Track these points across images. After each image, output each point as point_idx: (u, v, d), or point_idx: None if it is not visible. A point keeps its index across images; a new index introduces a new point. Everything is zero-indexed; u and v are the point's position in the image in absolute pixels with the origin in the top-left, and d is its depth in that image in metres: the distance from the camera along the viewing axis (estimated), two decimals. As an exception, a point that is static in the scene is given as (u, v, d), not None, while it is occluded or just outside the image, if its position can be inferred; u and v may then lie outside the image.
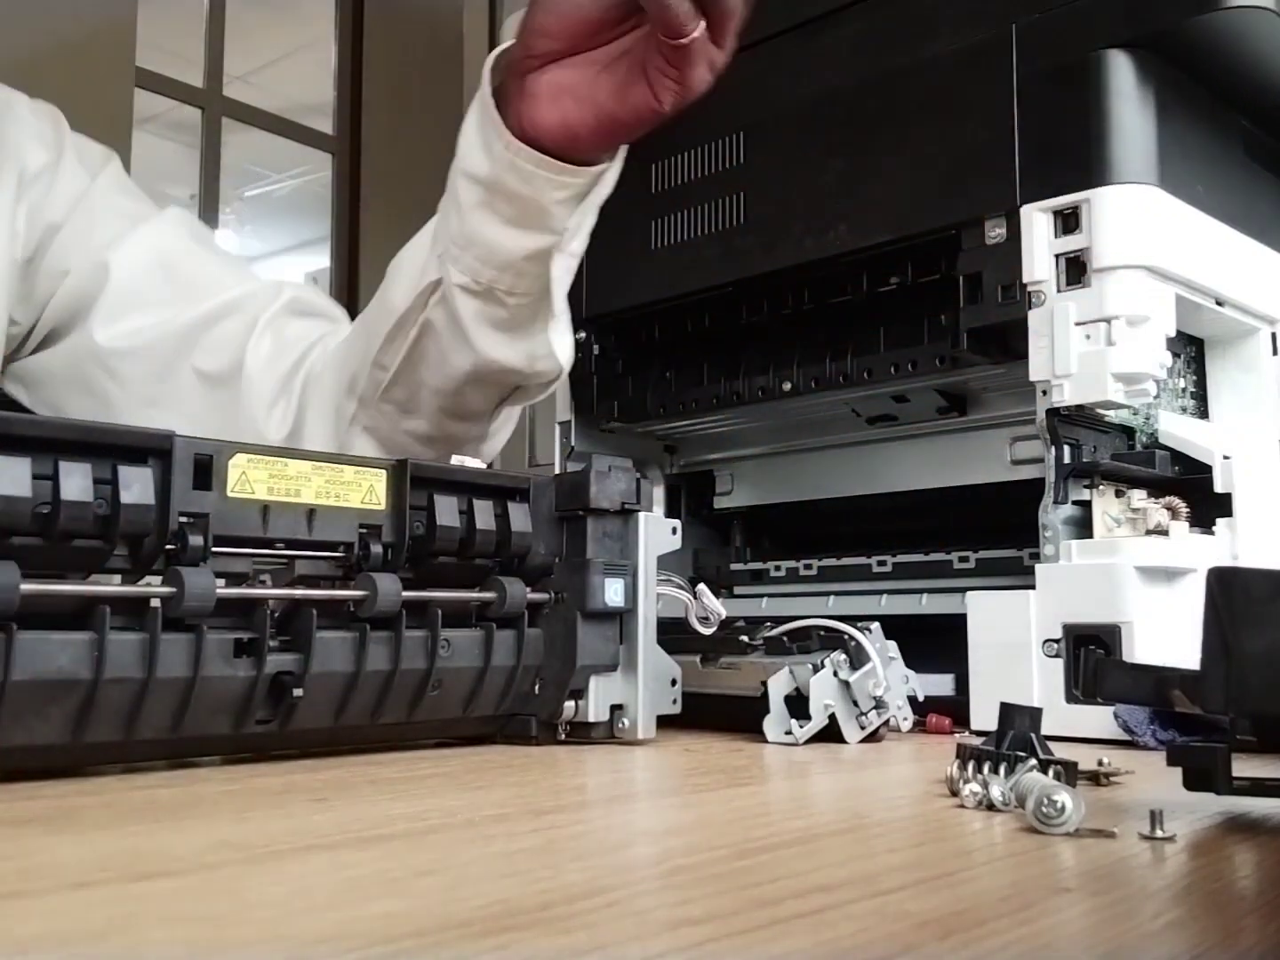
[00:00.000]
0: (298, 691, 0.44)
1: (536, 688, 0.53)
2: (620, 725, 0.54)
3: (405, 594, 0.47)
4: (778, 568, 0.78)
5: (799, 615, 0.59)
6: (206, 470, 0.42)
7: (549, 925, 0.22)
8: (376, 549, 0.47)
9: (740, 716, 0.56)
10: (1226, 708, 0.32)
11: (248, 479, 0.44)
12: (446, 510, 0.49)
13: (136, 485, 0.40)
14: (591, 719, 0.53)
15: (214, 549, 0.42)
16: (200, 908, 0.23)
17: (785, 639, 0.57)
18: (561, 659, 0.52)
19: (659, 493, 0.88)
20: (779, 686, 0.55)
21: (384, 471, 0.48)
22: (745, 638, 0.58)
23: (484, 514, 0.50)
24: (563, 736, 0.53)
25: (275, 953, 0.20)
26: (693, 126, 0.76)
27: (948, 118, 0.65)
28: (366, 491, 0.47)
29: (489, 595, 0.51)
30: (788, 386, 0.74)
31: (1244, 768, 0.35)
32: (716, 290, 0.75)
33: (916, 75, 0.66)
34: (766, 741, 0.54)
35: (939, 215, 0.65)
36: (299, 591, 0.45)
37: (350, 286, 3.00)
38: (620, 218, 0.80)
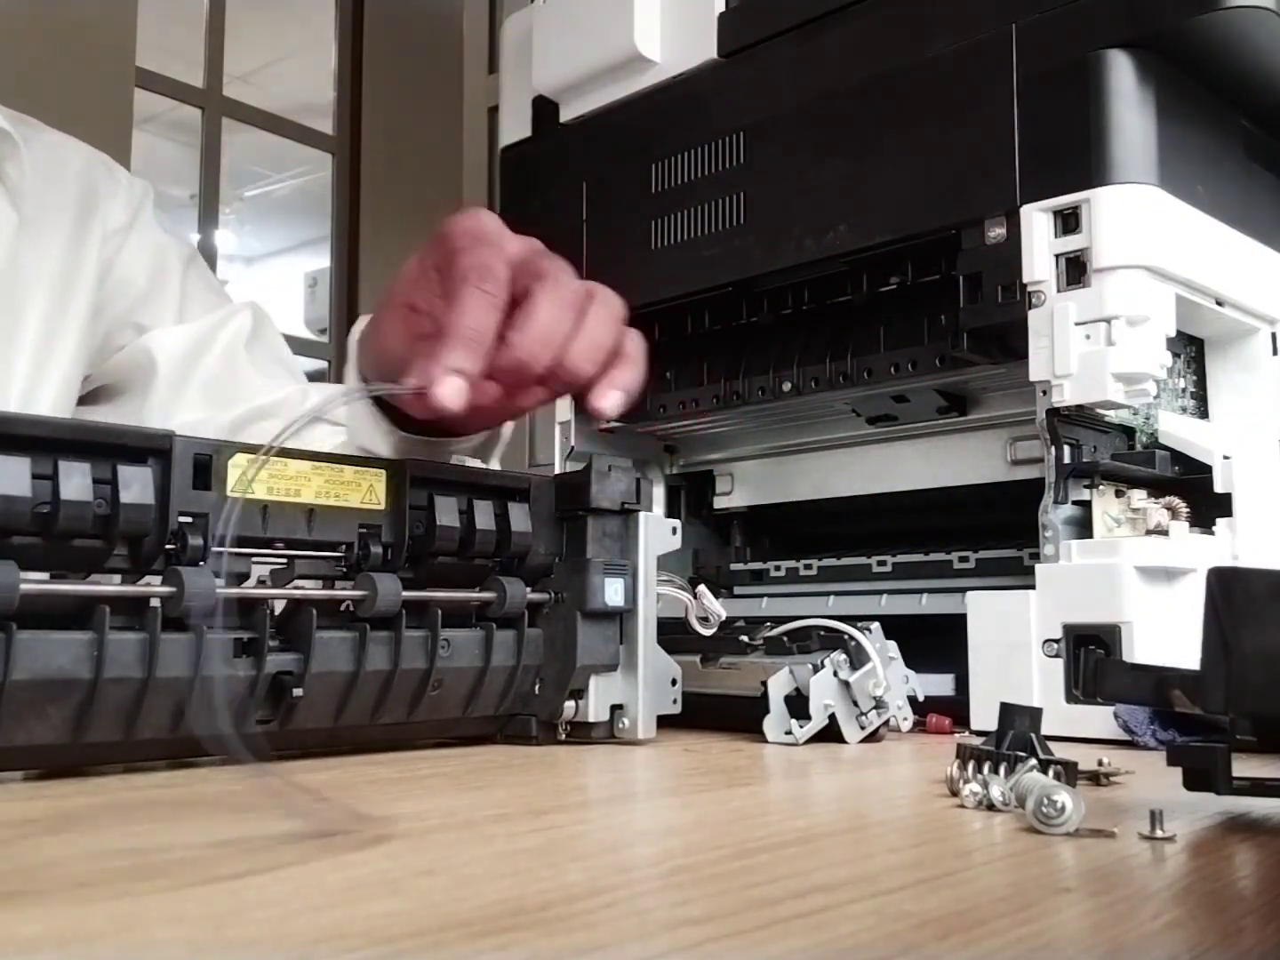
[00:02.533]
0: (298, 691, 0.44)
1: (536, 688, 0.53)
2: (620, 725, 0.54)
3: (405, 594, 0.46)
4: (778, 568, 0.78)
5: (799, 615, 0.59)
6: (206, 470, 0.42)
7: (549, 925, 0.22)
8: (376, 549, 0.47)
9: (740, 716, 0.56)
10: (1226, 708, 0.32)
11: (247, 479, 0.44)
12: (446, 510, 0.49)
13: (136, 485, 0.40)
14: (591, 719, 0.53)
15: (213, 549, 0.42)
16: (200, 908, 0.23)
17: (785, 639, 0.57)
18: (561, 659, 0.52)
19: (659, 493, 0.88)
20: (779, 686, 0.54)
21: (384, 471, 0.48)
22: (745, 638, 0.58)
23: (484, 514, 0.50)
24: (563, 736, 0.53)
25: (275, 953, 0.20)
26: (693, 126, 0.77)
27: (948, 118, 0.64)
28: (366, 491, 0.47)
29: (489, 595, 0.51)
30: (788, 386, 0.74)
31: (1244, 768, 0.35)
32: (716, 290, 0.75)
33: (916, 75, 0.66)
34: (766, 741, 0.54)
35: (939, 215, 0.65)
36: (299, 591, 0.45)
37: (350, 286, 3.00)
38: (620, 218, 0.80)
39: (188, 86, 2.83)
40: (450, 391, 0.46)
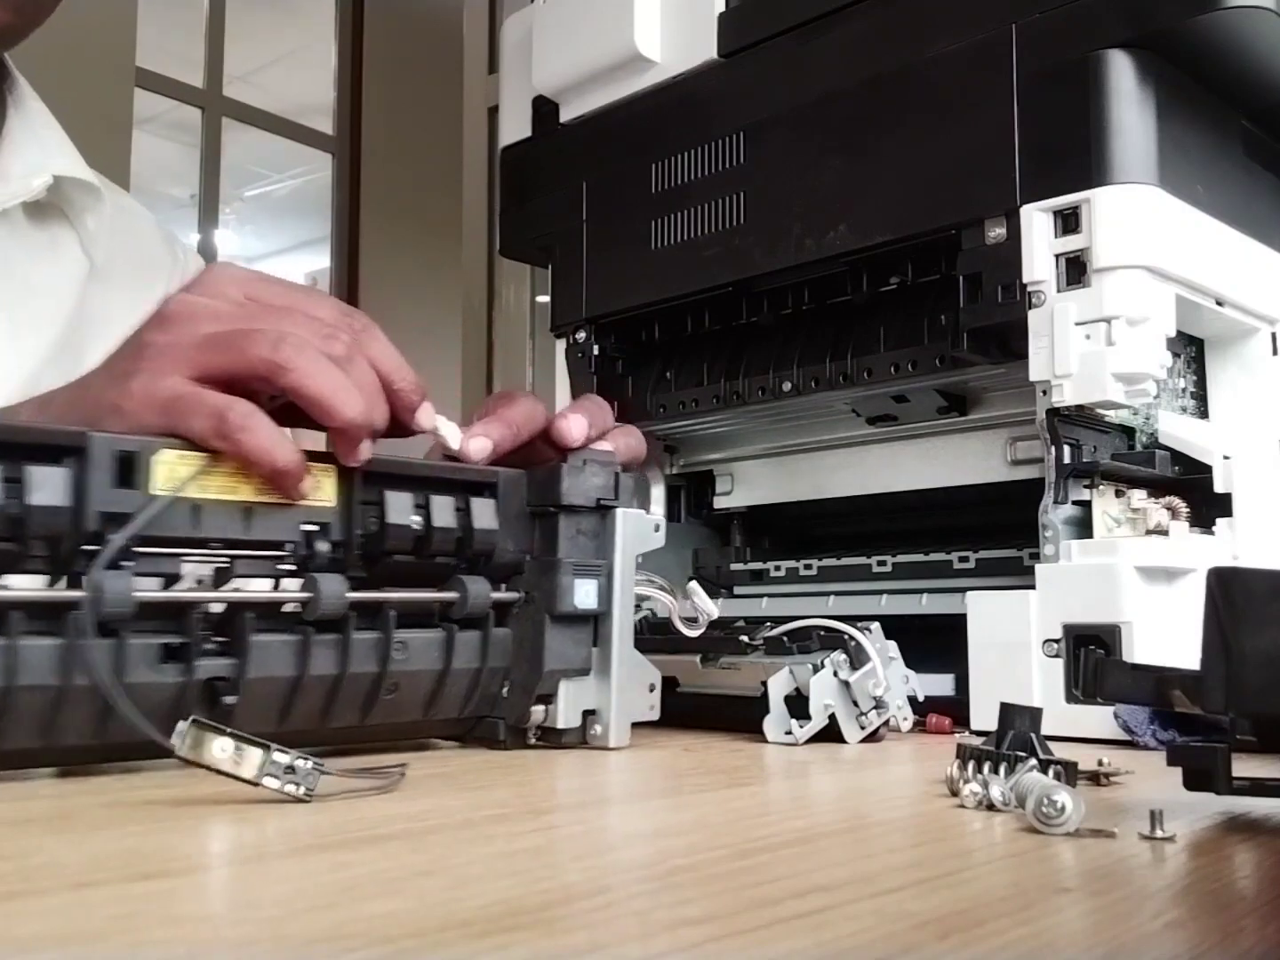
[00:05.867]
0: (229, 699, 0.42)
1: (505, 690, 0.51)
2: (593, 731, 0.52)
3: (356, 595, 0.44)
4: (778, 568, 0.78)
5: (799, 615, 0.59)
6: (130, 467, 0.40)
7: (549, 925, 0.22)
8: (323, 547, 0.45)
9: (740, 716, 0.56)
10: (1226, 708, 0.32)
11: (177, 476, 0.41)
12: (397, 507, 0.46)
13: (48, 485, 0.38)
14: (561, 725, 0.51)
15: (141, 549, 0.40)
16: (200, 908, 0.23)
17: (785, 639, 0.57)
18: (529, 662, 0.50)
19: (659, 493, 0.88)
20: (779, 686, 0.54)
21: (333, 466, 0.45)
22: (745, 638, 0.58)
23: (443, 510, 0.48)
24: (532, 741, 0.51)
25: (275, 953, 0.20)
26: (693, 126, 0.77)
27: (948, 118, 0.64)
28: (313, 488, 0.45)
29: (450, 595, 0.48)
30: (788, 386, 0.74)
31: (1244, 768, 0.35)
32: (716, 290, 0.75)
33: (916, 75, 0.66)
34: (766, 741, 0.54)
35: (939, 215, 0.65)
36: (231, 594, 0.43)
37: (350, 286, 3.00)
38: (620, 218, 0.80)
39: (188, 86, 2.84)
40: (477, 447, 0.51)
